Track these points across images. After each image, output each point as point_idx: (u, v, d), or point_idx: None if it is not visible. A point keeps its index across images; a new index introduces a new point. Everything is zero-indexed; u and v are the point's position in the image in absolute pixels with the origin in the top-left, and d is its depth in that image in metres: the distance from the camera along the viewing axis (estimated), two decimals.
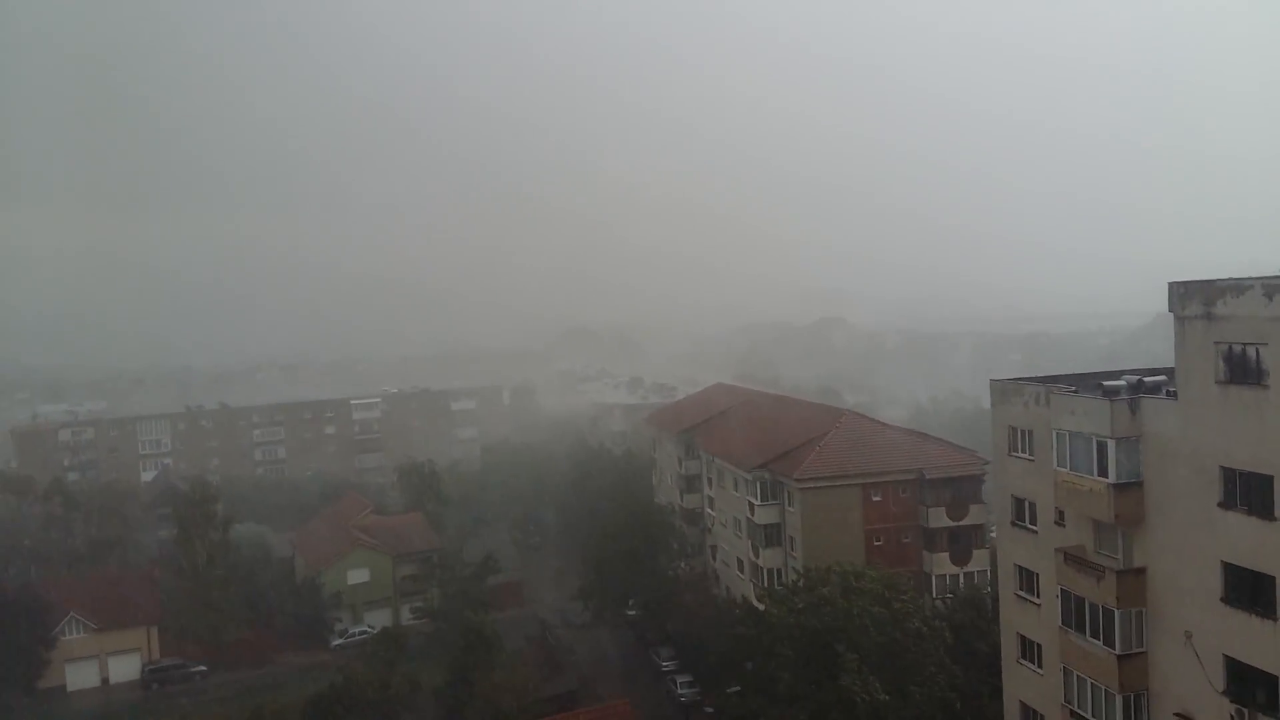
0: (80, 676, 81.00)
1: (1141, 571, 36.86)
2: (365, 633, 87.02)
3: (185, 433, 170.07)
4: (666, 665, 76.97)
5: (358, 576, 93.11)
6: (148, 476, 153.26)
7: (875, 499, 71.13)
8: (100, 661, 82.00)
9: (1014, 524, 45.20)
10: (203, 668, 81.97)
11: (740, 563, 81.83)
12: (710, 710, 60.84)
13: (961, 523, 70.41)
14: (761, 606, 59.82)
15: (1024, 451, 43.86)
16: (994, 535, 58.34)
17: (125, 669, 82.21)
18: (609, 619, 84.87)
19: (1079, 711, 39.53)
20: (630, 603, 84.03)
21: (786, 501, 74.04)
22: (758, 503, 75.69)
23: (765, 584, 72.65)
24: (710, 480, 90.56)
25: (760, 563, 75.57)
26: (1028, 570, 44.21)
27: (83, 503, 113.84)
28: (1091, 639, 38.33)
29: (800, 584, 58.43)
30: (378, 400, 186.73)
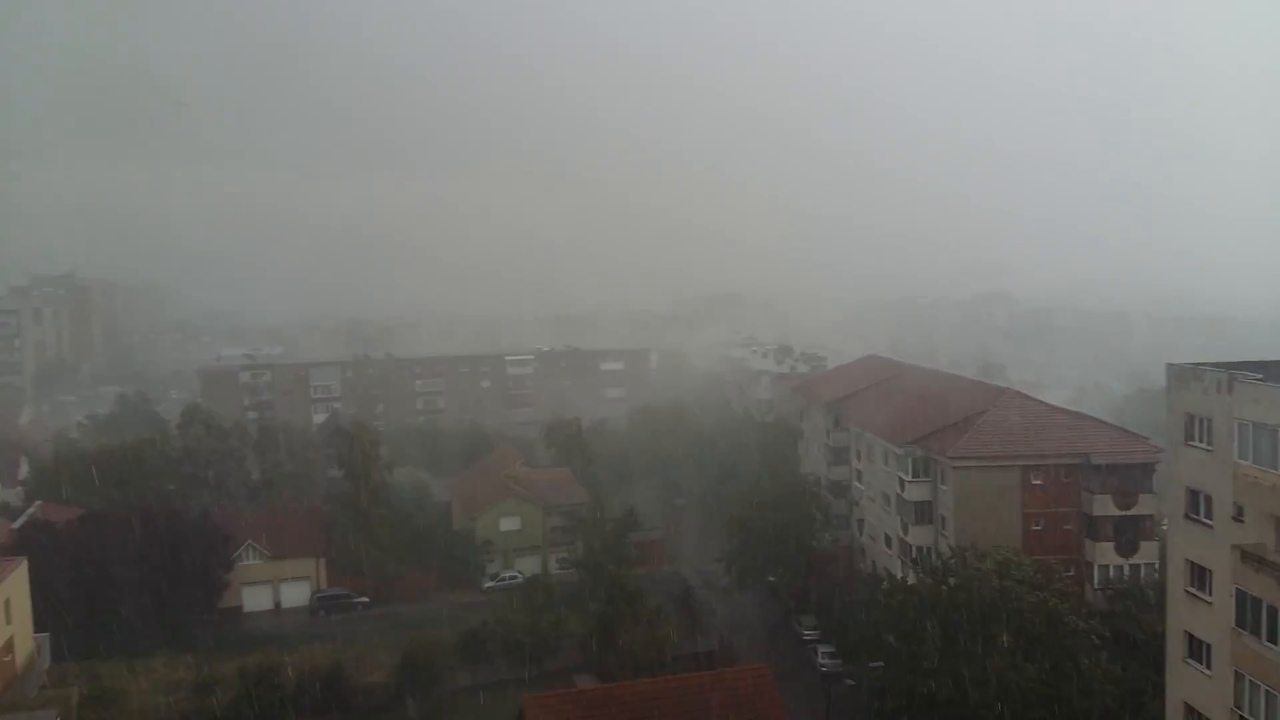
0: (256, 600, 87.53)
1: None
2: (514, 578, 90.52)
3: (353, 380, 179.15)
4: (808, 634, 76.99)
5: (509, 524, 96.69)
6: (319, 419, 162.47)
7: (1035, 482, 68.86)
8: (274, 587, 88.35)
9: (1187, 517, 43.02)
10: (365, 599, 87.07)
11: (888, 539, 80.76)
12: (852, 682, 60.56)
13: (1129, 512, 67.39)
14: (911, 579, 59.06)
15: (1202, 441, 41.63)
16: (1165, 527, 55.70)
17: (296, 595, 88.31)
18: (751, 584, 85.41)
19: (1249, 718, 37.55)
20: (772, 570, 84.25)
21: (939, 479, 72.50)
22: (909, 479, 74.45)
23: (913, 561, 71.57)
24: (859, 454, 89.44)
25: (909, 540, 74.42)
26: (1200, 566, 42.10)
27: (260, 440, 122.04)
28: (1268, 643, 36.30)
29: (954, 561, 57.40)
30: (531, 357, 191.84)
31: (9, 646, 63.24)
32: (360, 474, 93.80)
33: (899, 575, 69.95)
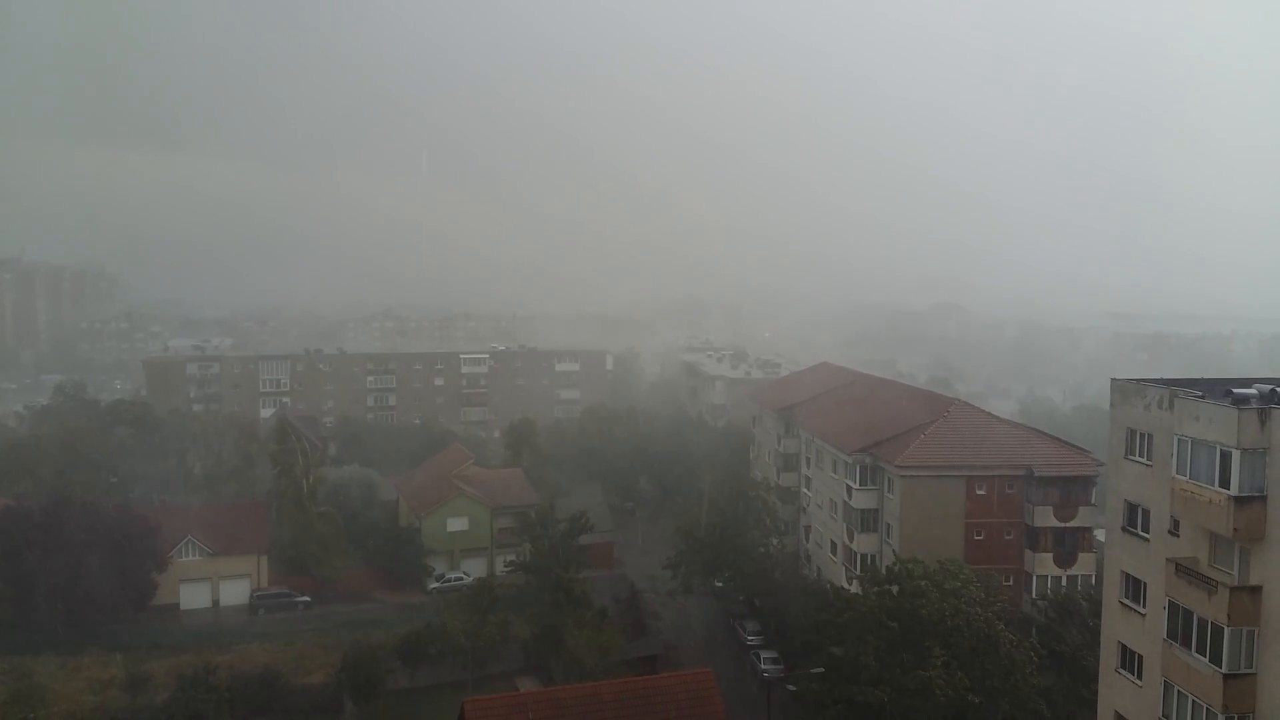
0: (193, 597, 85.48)
1: (1257, 590, 35.22)
2: (460, 579, 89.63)
3: (303, 374, 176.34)
4: (751, 640, 77.09)
5: (457, 524, 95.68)
6: (266, 413, 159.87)
7: (979, 492, 69.57)
8: (213, 584, 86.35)
9: (1125, 530, 43.60)
10: (306, 598, 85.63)
11: (833, 545, 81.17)
12: (793, 688, 60.67)
13: (1069, 524, 68.37)
14: (853, 589, 59.36)
15: (1142, 456, 42.18)
16: (1102, 539, 56.54)
17: (235, 593, 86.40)
18: (697, 589, 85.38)
19: None
20: (719, 574, 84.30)
21: (886, 487, 73.00)
22: (856, 486, 74.85)
23: (858, 569, 71.96)
24: (808, 460, 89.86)
25: (854, 547, 74.82)
26: (1135, 579, 42.65)
27: (205, 433, 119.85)
28: (1197, 655, 36.85)
29: (896, 570, 57.78)
30: (486, 356, 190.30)
31: None
32: (299, 470, 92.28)
33: (843, 583, 70.38)
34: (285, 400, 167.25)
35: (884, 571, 59.81)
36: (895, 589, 55.87)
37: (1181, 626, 37.76)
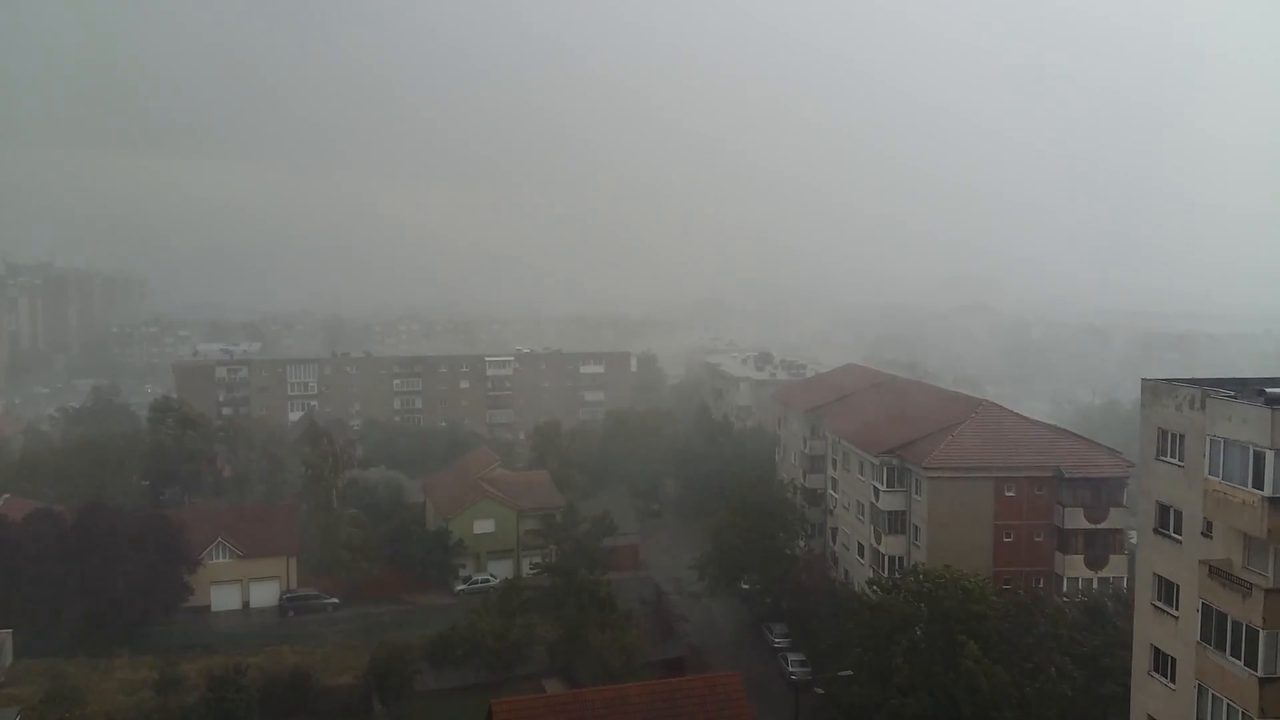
0: (224, 598, 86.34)
1: None
2: (487, 581, 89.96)
3: (331, 377, 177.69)
4: (779, 642, 76.85)
5: (483, 527, 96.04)
6: (294, 416, 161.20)
7: (1008, 494, 69.03)
8: (243, 586, 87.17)
9: (1157, 531, 43.13)
10: (335, 600, 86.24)
11: (860, 547, 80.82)
12: (821, 691, 60.40)
13: (1100, 526, 67.71)
14: (877, 598, 59.07)
15: (1173, 456, 41.69)
16: (1134, 541, 56.06)
17: (265, 595, 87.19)
18: (723, 591, 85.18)
19: None
20: (745, 577, 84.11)
21: (914, 489, 72.58)
22: (883, 488, 74.47)
23: (885, 571, 71.56)
24: (835, 462, 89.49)
25: (882, 549, 74.46)
26: (1167, 581, 42.18)
27: (234, 436, 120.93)
28: (1232, 658, 36.38)
29: (920, 576, 57.45)
30: (511, 359, 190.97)
31: None
32: (326, 473, 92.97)
33: (868, 587, 69.98)
34: (313, 403, 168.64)
35: (908, 575, 59.46)
36: (917, 589, 55.67)
37: (1215, 629, 37.29)
